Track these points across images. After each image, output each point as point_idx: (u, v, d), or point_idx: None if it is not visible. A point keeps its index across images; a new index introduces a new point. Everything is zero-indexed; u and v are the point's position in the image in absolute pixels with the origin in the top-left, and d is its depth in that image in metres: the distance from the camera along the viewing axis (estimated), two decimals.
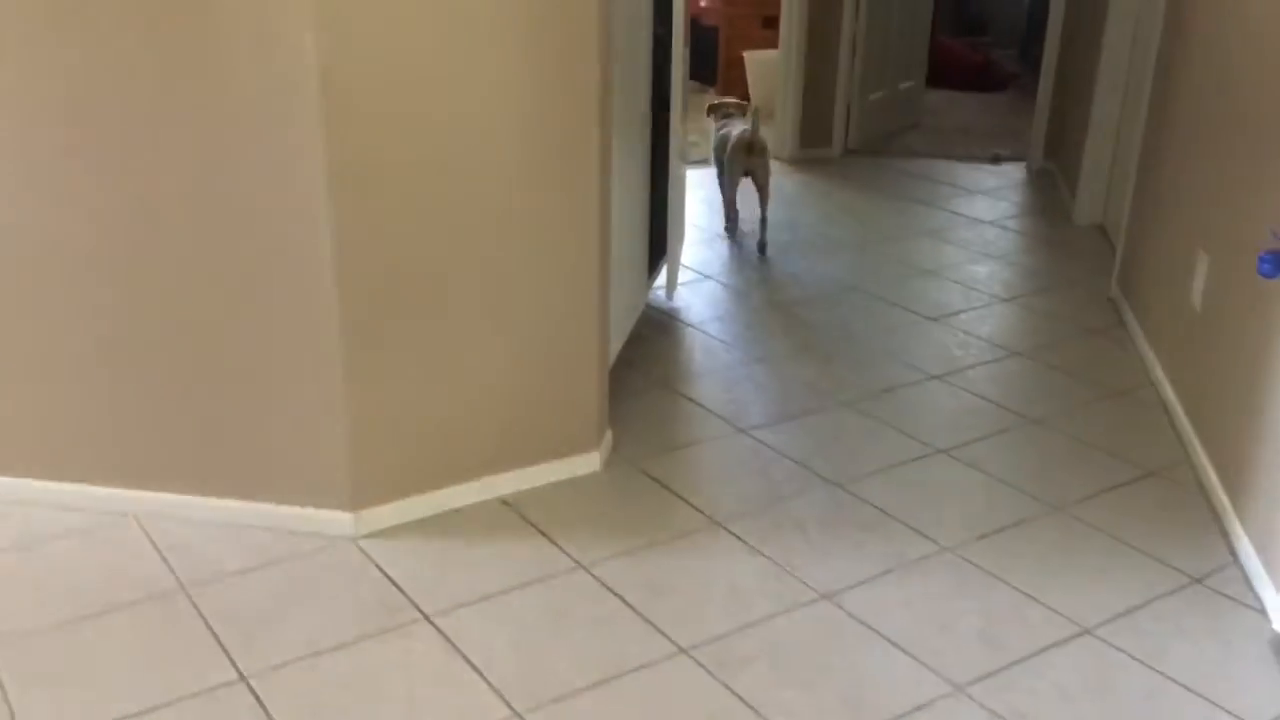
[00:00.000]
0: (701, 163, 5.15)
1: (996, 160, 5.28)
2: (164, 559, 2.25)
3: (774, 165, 5.14)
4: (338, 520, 2.33)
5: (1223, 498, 2.44)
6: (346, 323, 2.20)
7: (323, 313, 2.19)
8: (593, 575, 2.24)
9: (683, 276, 3.81)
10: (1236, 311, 2.46)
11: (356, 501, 2.33)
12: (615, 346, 2.94)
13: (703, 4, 6.47)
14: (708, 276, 3.84)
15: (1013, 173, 5.14)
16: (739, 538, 2.38)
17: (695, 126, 5.72)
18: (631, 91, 2.91)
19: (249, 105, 2.06)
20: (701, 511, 2.47)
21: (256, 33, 2.01)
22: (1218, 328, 2.61)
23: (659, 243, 3.47)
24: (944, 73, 6.63)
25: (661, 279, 3.60)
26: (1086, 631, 2.10)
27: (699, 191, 4.74)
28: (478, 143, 2.24)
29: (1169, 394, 2.93)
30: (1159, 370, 3.05)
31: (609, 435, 2.69)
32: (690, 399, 2.98)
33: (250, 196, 2.12)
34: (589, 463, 2.60)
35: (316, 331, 2.21)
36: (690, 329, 3.43)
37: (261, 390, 2.26)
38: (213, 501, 2.36)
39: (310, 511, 2.34)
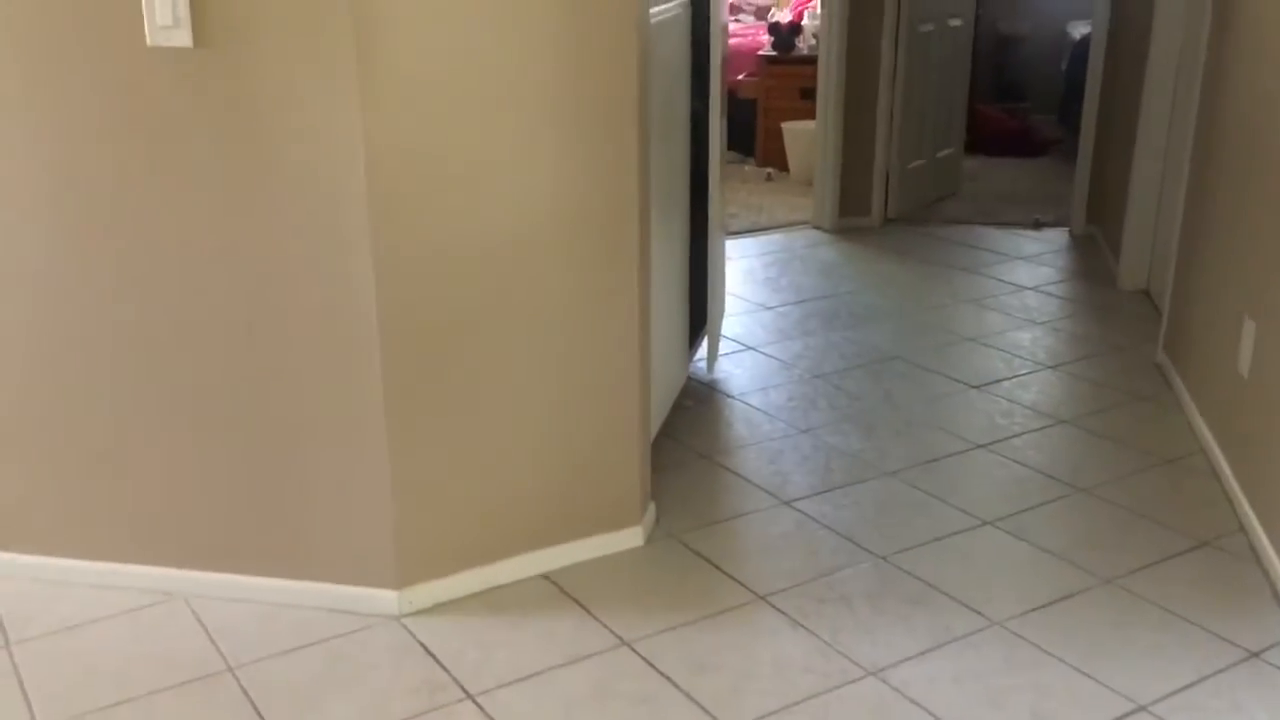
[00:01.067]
0: (741, 233, 5.20)
1: (1038, 226, 5.27)
2: (211, 639, 2.27)
3: (814, 234, 5.19)
4: (382, 598, 2.34)
5: (1278, 568, 2.39)
6: (390, 400, 2.23)
7: (367, 390, 2.22)
8: (636, 652, 2.23)
9: (724, 348, 3.83)
10: None
11: (400, 579, 2.34)
12: (657, 420, 2.95)
13: (740, 77, 6.56)
14: (749, 348, 3.85)
15: (1055, 238, 5.13)
16: (784, 613, 2.36)
17: (734, 198, 5.80)
18: (670, 166, 2.95)
19: (299, 191, 2.12)
20: (745, 586, 2.45)
21: (307, 126, 2.08)
22: (1266, 395, 2.57)
23: (700, 315, 3.49)
24: (983, 139, 6.66)
25: (703, 350, 3.61)
26: (1142, 708, 2.05)
27: (740, 262, 4.77)
28: (521, 225, 2.28)
29: (1219, 461, 2.88)
30: (1208, 437, 3.00)
31: (652, 509, 2.69)
32: (733, 471, 2.98)
33: (297, 281, 2.17)
34: (632, 537, 2.60)
35: (361, 409, 2.24)
36: (732, 400, 3.43)
37: (306, 468, 2.29)
38: (258, 581, 2.38)
39: (355, 590, 2.35)
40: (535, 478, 2.45)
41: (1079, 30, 6.63)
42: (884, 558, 2.56)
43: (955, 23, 5.67)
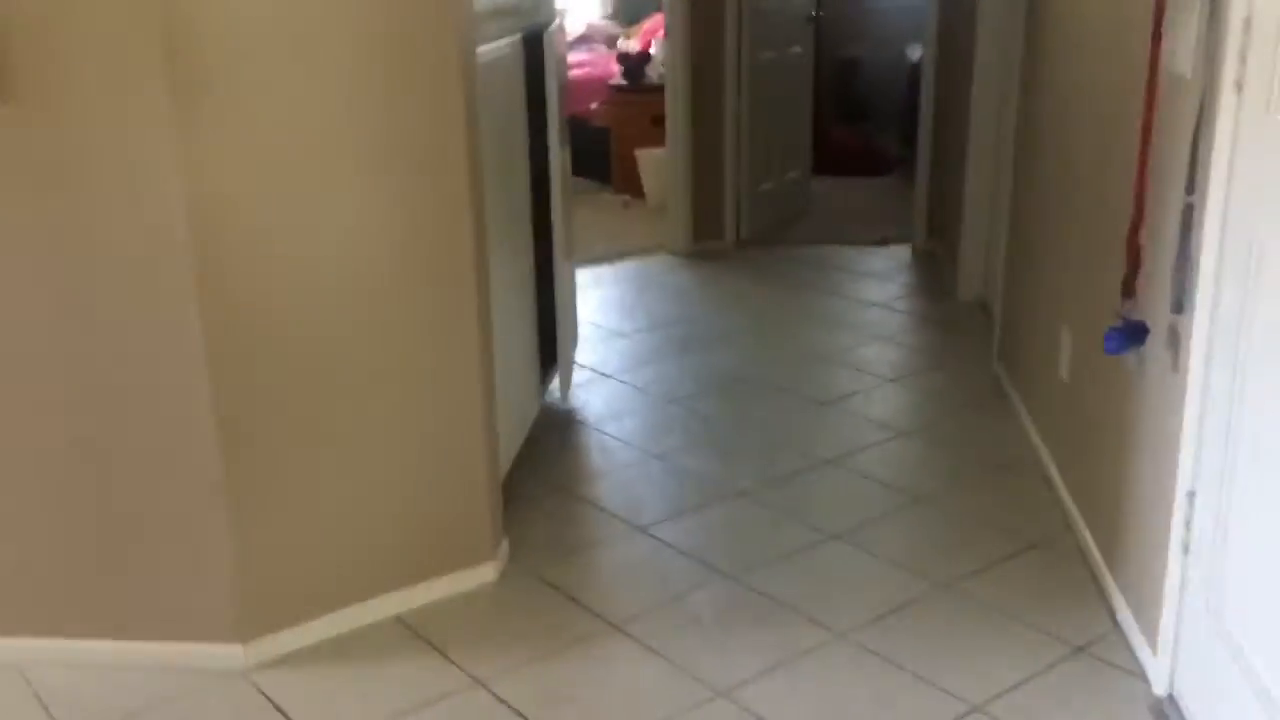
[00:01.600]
0: (599, 261, 5.24)
1: (883, 242, 5.43)
2: (45, 709, 2.18)
3: (669, 260, 5.27)
4: (227, 653, 2.29)
5: (1101, 565, 2.52)
6: (227, 450, 2.19)
7: (199, 440, 2.17)
8: (491, 691, 2.22)
9: (579, 376, 3.85)
10: (1097, 383, 2.56)
11: (245, 632, 2.29)
12: (508, 453, 2.95)
13: (593, 106, 6.62)
14: (605, 375, 3.88)
15: (898, 254, 5.30)
16: (637, 640, 2.38)
17: (591, 227, 5.83)
18: (510, 201, 2.96)
19: (119, 244, 2.07)
20: (599, 615, 2.47)
21: (127, 188, 2.03)
22: (1083, 399, 2.71)
23: (552, 345, 3.51)
24: (830, 160, 6.82)
25: (558, 380, 3.63)
26: (976, 709, 2.13)
27: (596, 291, 4.81)
28: (350, 271, 2.26)
29: (1049, 465, 3.02)
30: (1038, 442, 3.15)
31: (505, 544, 2.69)
32: (588, 500, 3.00)
33: (125, 336, 2.11)
34: (485, 574, 2.59)
35: (196, 461, 2.19)
36: (587, 429, 3.45)
37: (142, 524, 2.23)
38: (97, 644, 2.30)
39: (199, 647, 2.29)
40: (383, 520, 2.43)
41: (916, 53, 6.87)
42: (734, 578, 2.61)
43: (795, 50, 5.83)
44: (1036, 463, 3.11)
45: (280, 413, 2.25)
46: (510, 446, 2.98)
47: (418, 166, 2.29)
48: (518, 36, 2.98)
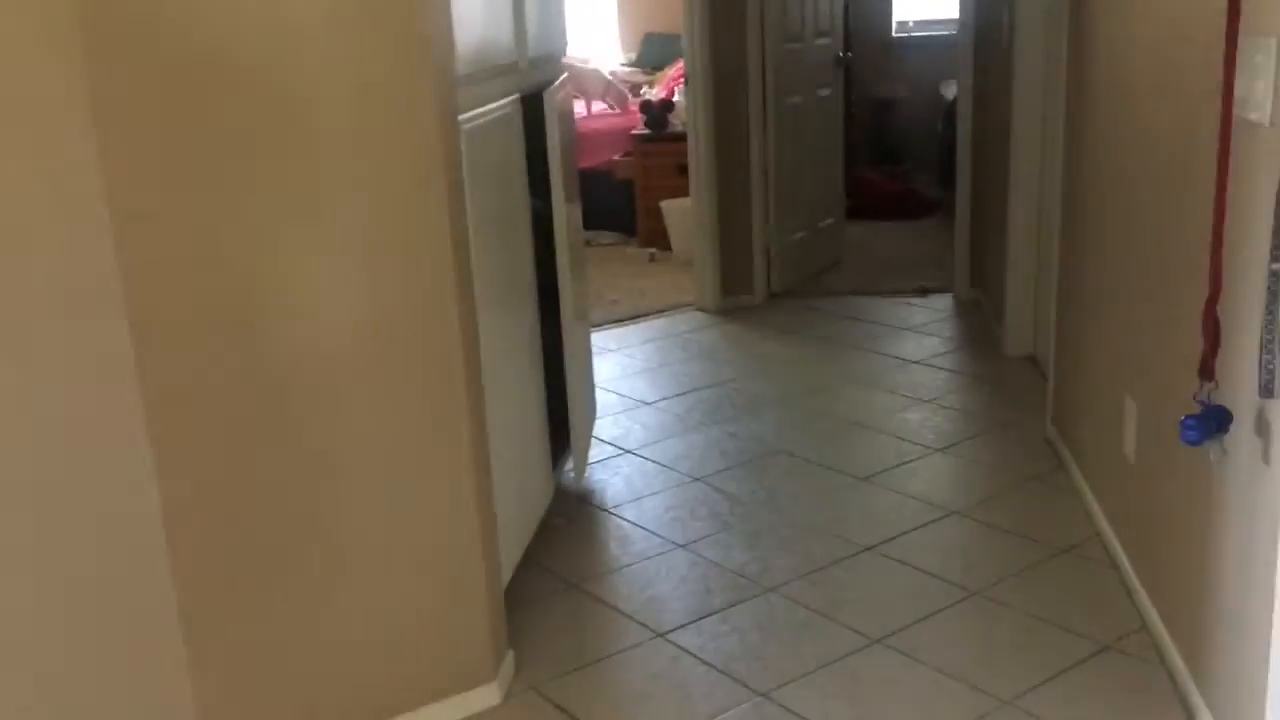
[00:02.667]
0: (623, 320, 5.00)
1: (923, 293, 5.16)
2: None
3: (697, 317, 5.02)
4: None
5: (1185, 674, 2.20)
6: (181, 579, 1.95)
7: (150, 574, 1.93)
8: None
9: (599, 452, 3.59)
10: (1171, 468, 2.26)
11: None
12: (515, 551, 2.69)
13: (616, 157, 6.42)
14: (625, 451, 3.62)
15: (940, 304, 5.02)
16: None
17: (616, 283, 5.63)
18: (511, 269, 2.74)
19: (52, 318, 1.84)
20: None
21: (59, 248, 1.81)
22: (1155, 482, 2.41)
23: (565, 419, 3.25)
24: (865, 204, 6.60)
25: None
26: None
27: (620, 354, 4.57)
28: (323, 363, 2.03)
29: (1116, 550, 2.71)
30: (1103, 522, 2.84)
31: (510, 658, 2.43)
32: (603, 601, 2.73)
33: (66, 451, 1.88)
34: (487, 696, 2.33)
35: (148, 592, 1.95)
36: (605, 514, 3.19)
37: (88, 665, 1.98)
38: None
39: None
40: (368, 647, 2.17)
41: (951, 91, 6.62)
42: (765, 695, 2.32)
43: (824, 93, 5.60)
44: (1102, 548, 2.79)
45: (245, 531, 2.01)
46: (518, 541, 2.72)
47: (394, 246, 2.07)
48: (515, 97, 2.77)
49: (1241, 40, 1.77)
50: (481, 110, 2.45)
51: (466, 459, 2.21)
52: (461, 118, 2.27)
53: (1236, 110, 1.81)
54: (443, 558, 2.23)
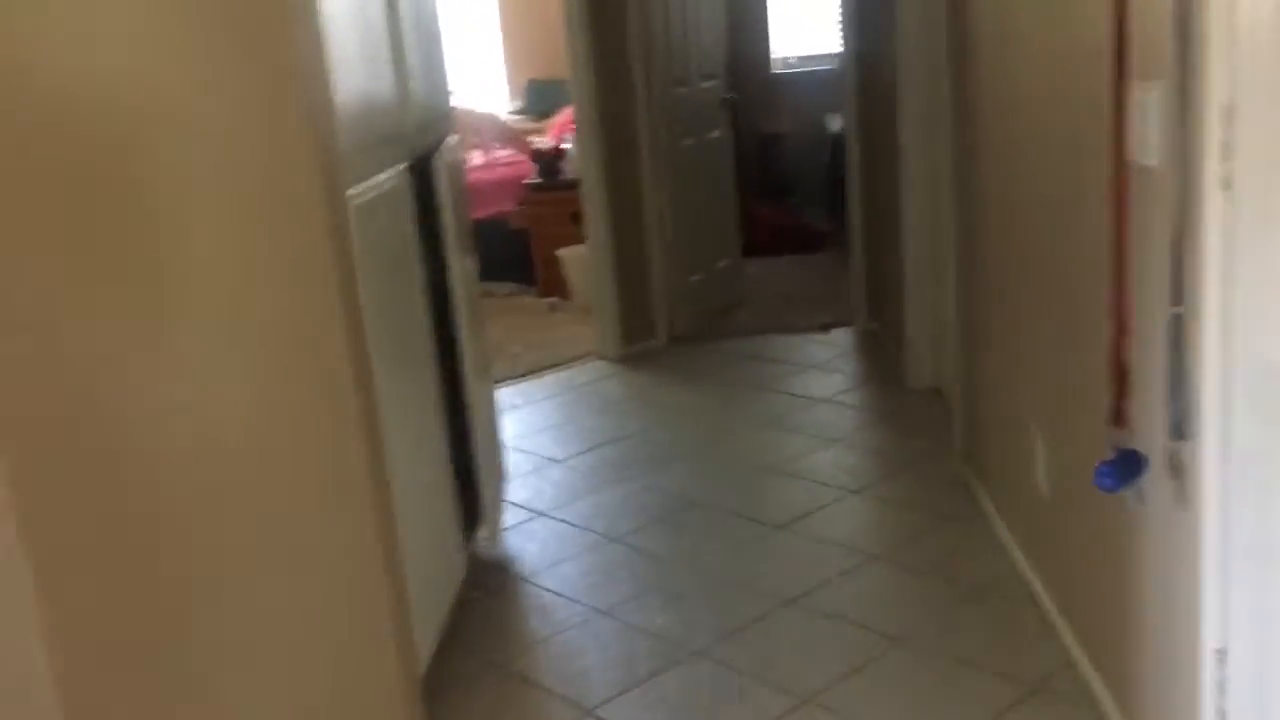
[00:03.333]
0: (525, 375, 4.92)
1: (824, 328, 5.18)
2: None
3: (601, 366, 4.96)
4: None
5: (1114, 712, 2.20)
6: (69, 700, 1.81)
7: (20, 674, 1.79)
8: None
9: (510, 516, 3.50)
10: (1085, 503, 2.26)
11: None
12: (431, 632, 2.58)
13: (510, 208, 6.36)
14: (538, 513, 3.53)
15: (841, 339, 5.04)
16: None
17: (517, 335, 5.54)
18: (406, 340, 2.64)
19: None
20: None
21: None
22: (1070, 517, 2.42)
23: (475, 484, 3.15)
24: (760, 241, 6.62)
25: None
26: None
27: (524, 411, 4.48)
28: (202, 459, 1.92)
29: (1035, 585, 2.71)
30: (1020, 558, 2.84)
31: None
32: (528, 680, 2.63)
33: None
34: None
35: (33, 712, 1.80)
36: (523, 583, 3.10)
37: None
38: None
39: None
40: None
41: (836, 123, 6.71)
42: None
43: (713, 134, 5.61)
44: (1021, 584, 2.79)
45: (130, 640, 1.87)
46: (434, 623, 2.62)
47: (283, 332, 1.97)
48: (404, 166, 2.69)
49: (1131, 85, 1.78)
50: (370, 184, 2.36)
51: (372, 542, 2.11)
52: (350, 193, 2.18)
53: (1129, 155, 1.83)
54: (352, 650, 2.11)
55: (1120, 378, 1.85)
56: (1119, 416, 1.86)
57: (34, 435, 1.75)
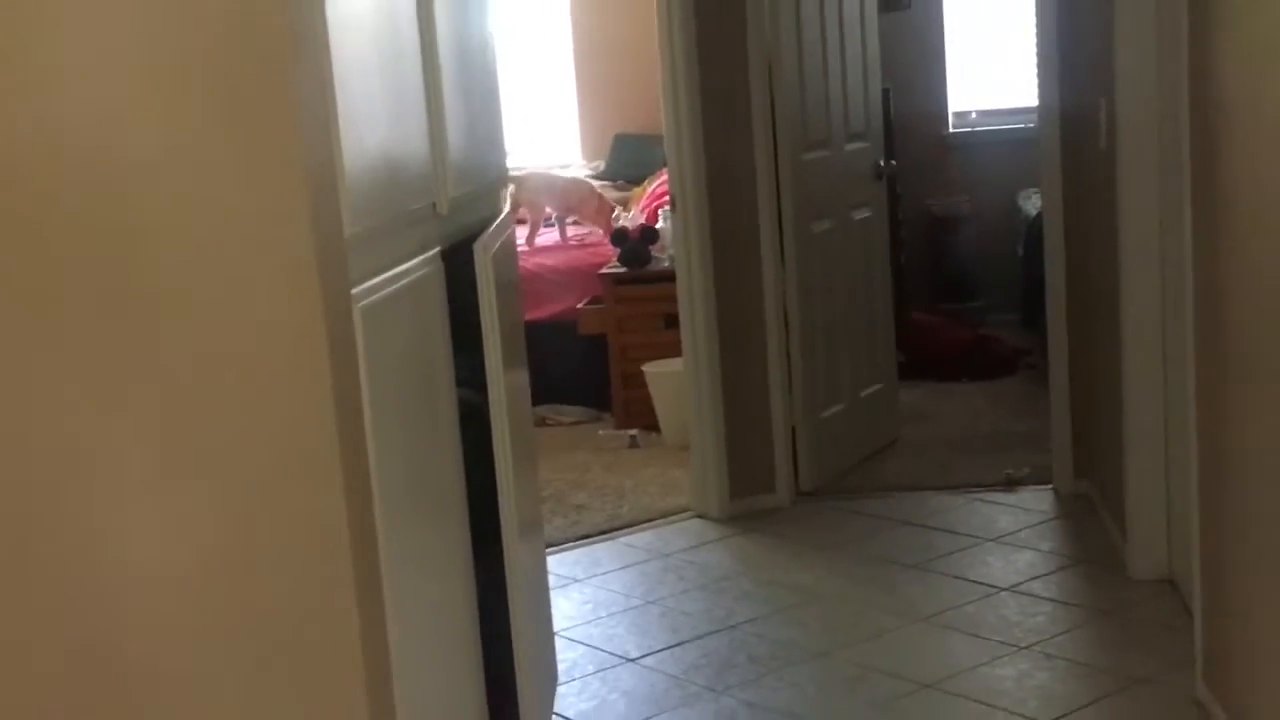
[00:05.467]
0: (594, 537, 4.94)
1: (1010, 485, 5.15)
2: None
3: (697, 528, 4.96)
4: None
5: None
6: None
7: None
8: None
9: None
10: None
11: None
12: None
13: (580, 306, 6.48)
14: None
15: (1035, 502, 5.01)
16: None
17: (585, 480, 5.60)
18: (427, 479, 2.68)
19: None
20: None
21: None
22: None
23: (511, 687, 3.14)
24: (924, 359, 6.66)
25: None
26: None
27: (589, 585, 4.51)
28: (144, 625, 1.95)
29: None
30: None
31: None
32: None
33: None
34: None
35: None
36: None
37: None
38: None
39: None
40: None
41: (1034, 204, 6.73)
42: None
43: (863, 214, 5.69)
44: None
45: None
46: None
47: (261, 463, 2.01)
48: (435, 251, 2.76)
49: None
50: (386, 276, 2.42)
51: None
52: (356, 290, 2.23)
53: None
54: None
55: None
56: None
57: None
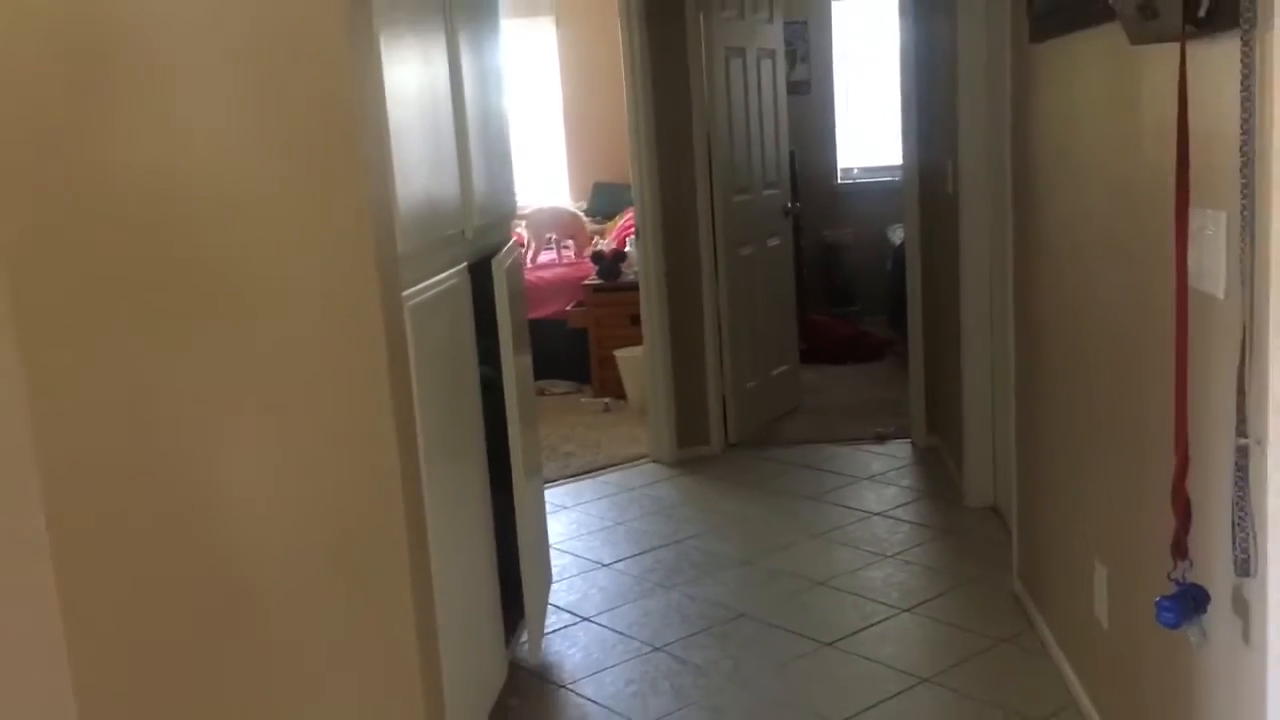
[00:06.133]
0: (578, 475, 4.91)
1: (880, 439, 5.12)
2: None
3: (653, 469, 4.94)
4: None
5: None
6: None
7: None
8: None
9: (554, 620, 3.46)
10: (1148, 639, 2.18)
11: None
12: None
13: (569, 307, 6.43)
14: (582, 618, 3.49)
15: (898, 451, 4.97)
16: None
17: (571, 434, 5.55)
18: (461, 442, 2.66)
19: None
20: None
21: None
22: (1131, 651, 2.33)
23: (519, 588, 3.13)
24: (819, 348, 6.61)
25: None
26: None
27: (574, 512, 4.46)
28: (247, 550, 1.93)
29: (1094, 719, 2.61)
30: (1078, 689, 2.74)
31: None
32: None
33: None
34: None
35: None
36: (563, 692, 3.05)
37: None
38: None
39: None
40: None
41: (898, 234, 6.74)
42: None
43: (774, 242, 5.65)
44: (1078, 716, 2.69)
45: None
46: None
47: (334, 427, 1.99)
48: (463, 266, 2.74)
49: (1193, 213, 1.77)
50: (428, 283, 2.41)
51: (411, 644, 2.09)
52: (406, 293, 2.22)
53: (1191, 282, 1.80)
54: None
55: (1184, 510, 1.80)
56: (1180, 548, 1.80)
57: (103, 523, 1.78)
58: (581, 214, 7.69)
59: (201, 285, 1.88)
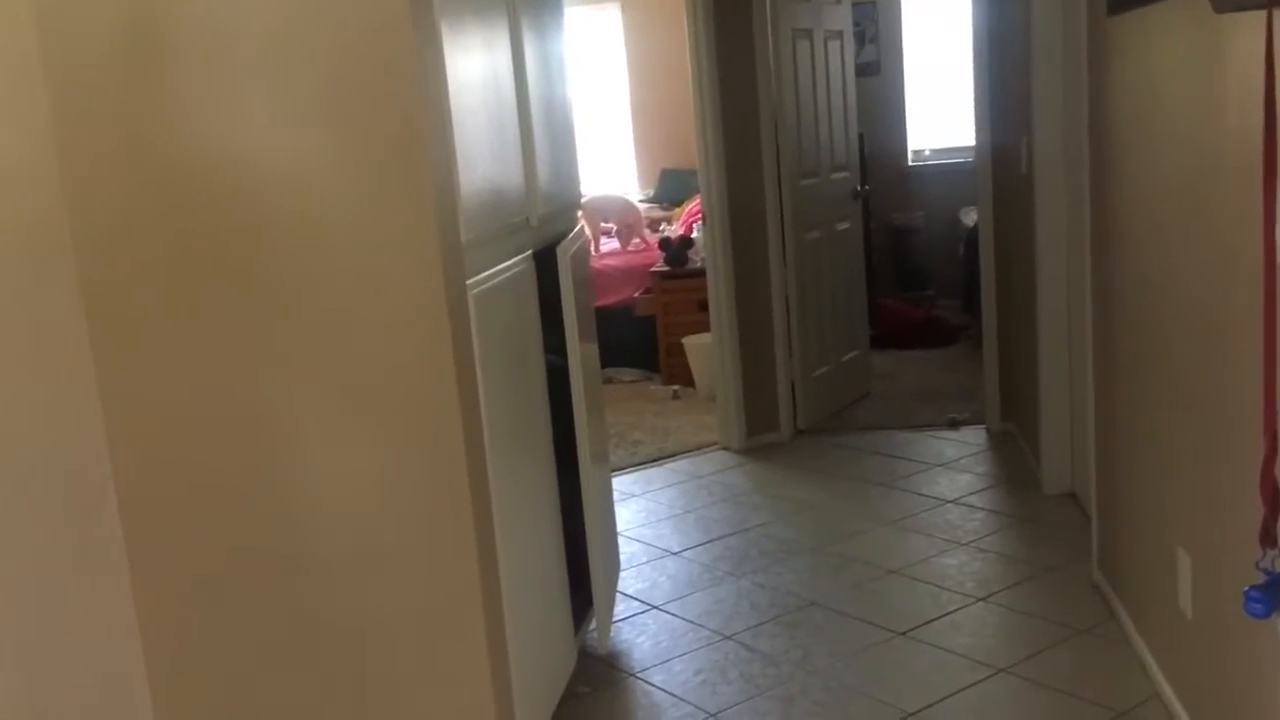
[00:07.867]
0: (647, 463, 4.91)
1: (954, 425, 5.04)
2: None
3: (722, 457, 4.91)
4: None
5: None
6: None
7: None
8: None
9: (623, 608, 3.46)
10: (1235, 630, 2.11)
11: None
12: None
13: (637, 294, 6.41)
14: (651, 606, 3.48)
15: (972, 438, 4.88)
16: None
17: (640, 421, 5.55)
18: (528, 428, 2.67)
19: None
20: None
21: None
22: (1218, 644, 2.25)
23: (587, 575, 3.12)
24: (890, 333, 6.53)
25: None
26: None
27: (644, 499, 4.45)
28: (320, 532, 1.95)
29: (1180, 714, 2.53)
30: (1162, 682, 2.66)
31: None
32: None
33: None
34: None
35: None
36: (632, 680, 3.04)
37: None
38: None
39: None
40: None
41: (971, 217, 6.61)
42: None
43: (843, 226, 5.58)
44: (1164, 710, 2.61)
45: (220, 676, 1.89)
46: (538, 717, 2.58)
47: (403, 415, 2.01)
48: (528, 254, 2.73)
49: None
50: (492, 271, 2.40)
51: (479, 630, 2.09)
52: (470, 281, 2.22)
53: None
54: None
55: (1271, 496, 1.73)
56: (1269, 537, 1.73)
57: (177, 507, 1.81)
58: (636, 202, 7.66)
59: (271, 279, 1.90)
